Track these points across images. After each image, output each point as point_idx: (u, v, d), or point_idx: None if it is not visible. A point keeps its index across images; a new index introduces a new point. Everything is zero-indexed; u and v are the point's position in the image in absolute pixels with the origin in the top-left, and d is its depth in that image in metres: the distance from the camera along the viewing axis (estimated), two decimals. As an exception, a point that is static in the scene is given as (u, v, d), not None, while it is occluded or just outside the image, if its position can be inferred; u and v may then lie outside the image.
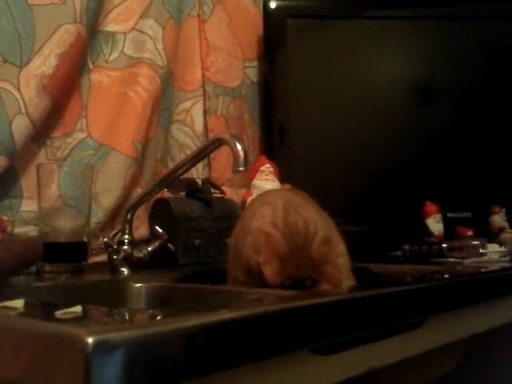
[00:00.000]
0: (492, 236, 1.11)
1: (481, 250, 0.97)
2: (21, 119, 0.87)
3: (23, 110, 0.87)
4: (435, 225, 1.11)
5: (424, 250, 0.98)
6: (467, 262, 0.93)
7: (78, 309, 0.43)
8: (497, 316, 0.82)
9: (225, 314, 0.44)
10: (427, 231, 1.10)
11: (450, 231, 1.11)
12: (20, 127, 0.87)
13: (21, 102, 0.87)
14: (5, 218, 0.84)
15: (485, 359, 0.97)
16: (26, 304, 0.46)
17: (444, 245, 0.98)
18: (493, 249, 1.00)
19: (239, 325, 0.43)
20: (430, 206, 1.12)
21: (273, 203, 0.65)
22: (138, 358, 0.35)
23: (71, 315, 0.42)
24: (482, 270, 0.84)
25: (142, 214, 0.99)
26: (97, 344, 0.33)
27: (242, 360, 0.43)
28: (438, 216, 1.12)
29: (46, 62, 0.90)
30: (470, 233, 1.11)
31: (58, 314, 0.42)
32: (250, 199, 1.01)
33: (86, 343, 0.33)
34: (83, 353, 0.33)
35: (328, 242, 0.62)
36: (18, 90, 0.87)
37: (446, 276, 0.79)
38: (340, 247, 0.68)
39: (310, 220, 0.62)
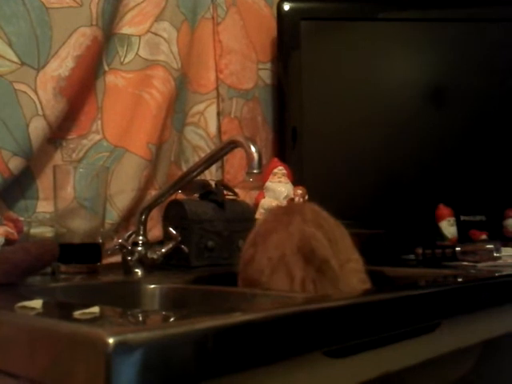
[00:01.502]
0: (506, 239, 1.10)
1: (495, 254, 0.96)
2: (38, 121, 0.88)
3: (40, 112, 0.88)
4: (449, 228, 1.10)
5: (437, 253, 0.98)
6: (481, 265, 0.92)
7: (95, 309, 0.44)
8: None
9: (239, 317, 0.44)
10: (441, 234, 1.10)
11: (463, 234, 1.10)
12: (37, 129, 0.88)
13: (38, 104, 0.88)
14: (21, 218, 0.85)
15: (499, 364, 0.96)
16: (44, 304, 0.47)
17: (457, 248, 0.98)
18: (507, 252, 1.00)
19: (254, 327, 0.43)
20: (444, 209, 1.12)
21: (290, 272, 0.64)
22: (154, 359, 0.36)
23: (89, 316, 0.43)
24: (496, 274, 0.83)
25: (155, 215, 0.99)
26: (117, 344, 0.34)
27: (257, 362, 0.43)
28: (452, 219, 1.11)
29: (62, 64, 0.91)
30: (483, 236, 1.10)
31: (77, 314, 0.42)
32: (262, 201, 1.01)
33: (106, 343, 0.33)
34: (104, 353, 0.33)
35: None
36: (35, 92, 0.88)
37: (460, 280, 0.78)
38: (353, 255, 0.68)
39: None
